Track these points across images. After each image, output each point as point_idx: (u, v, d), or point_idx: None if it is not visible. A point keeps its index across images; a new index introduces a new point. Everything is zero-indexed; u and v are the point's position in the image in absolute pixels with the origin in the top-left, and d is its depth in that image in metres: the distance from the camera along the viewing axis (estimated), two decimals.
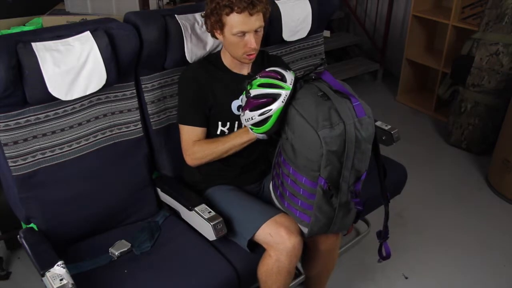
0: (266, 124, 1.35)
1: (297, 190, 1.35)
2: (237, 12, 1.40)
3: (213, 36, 1.53)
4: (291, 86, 1.33)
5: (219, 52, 1.61)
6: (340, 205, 1.33)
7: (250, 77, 1.55)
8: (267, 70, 1.41)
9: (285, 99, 1.32)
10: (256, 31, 1.45)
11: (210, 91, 1.52)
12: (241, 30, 1.42)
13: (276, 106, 1.32)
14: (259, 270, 1.45)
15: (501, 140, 2.58)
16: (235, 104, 1.55)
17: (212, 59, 1.60)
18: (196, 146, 1.53)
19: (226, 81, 1.55)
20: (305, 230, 1.40)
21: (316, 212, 1.34)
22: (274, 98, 1.32)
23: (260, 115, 1.34)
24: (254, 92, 1.36)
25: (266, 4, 1.45)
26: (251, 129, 1.41)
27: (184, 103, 1.55)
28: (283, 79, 1.36)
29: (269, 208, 1.49)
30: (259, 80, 1.37)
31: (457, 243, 2.25)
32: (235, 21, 1.42)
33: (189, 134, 1.54)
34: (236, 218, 1.48)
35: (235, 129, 1.58)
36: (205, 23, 1.52)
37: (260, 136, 1.42)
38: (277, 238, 1.38)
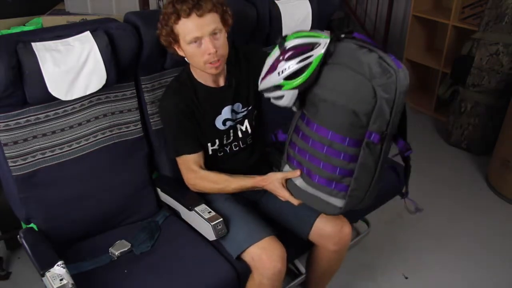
0: (304, 74, 1.23)
1: (336, 157, 1.27)
2: (184, 17, 1.32)
3: (176, 54, 1.44)
4: (329, 36, 1.24)
5: (188, 68, 1.51)
6: (382, 163, 1.30)
7: (229, 87, 1.52)
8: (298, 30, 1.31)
9: (325, 47, 1.22)
10: (214, 34, 1.35)
11: (191, 116, 1.48)
12: (194, 36, 1.33)
13: (317, 52, 1.21)
14: (246, 287, 1.46)
15: (501, 140, 2.58)
16: (219, 120, 1.52)
17: (184, 78, 1.51)
18: (203, 180, 1.50)
19: (203, 100, 1.49)
20: (340, 203, 1.33)
21: (359, 172, 1.28)
22: (312, 47, 1.23)
23: (299, 62, 1.22)
24: (290, 43, 1.23)
25: (217, 3, 1.35)
26: (282, 85, 1.26)
27: (173, 134, 1.51)
28: (318, 32, 1.27)
29: (259, 228, 1.45)
30: (295, 33, 1.27)
31: (457, 243, 2.25)
32: (185, 27, 1.33)
33: (187, 164, 1.50)
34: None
35: (224, 142, 1.54)
36: (164, 44, 1.42)
37: (290, 93, 1.27)
38: (259, 263, 1.38)
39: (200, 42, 1.35)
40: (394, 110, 1.23)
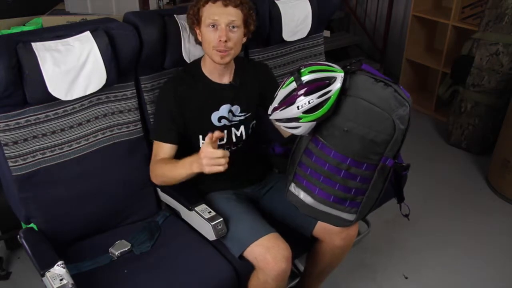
0: (323, 108, 1.29)
1: (353, 180, 1.35)
2: (212, 2, 1.42)
3: (197, 39, 1.52)
4: (343, 70, 1.31)
5: (199, 59, 1.57)
6: (389, 181, 1.40)
7: (233, 86, 1.54)
8: (312, 62, 1.36)
9: (342, 81, 1.29)
10: (231, 26, 1.42)
11: (188, 106, 1.50)
12: (213, 19, 1.41)
13: (335, 87, 1.28)
14: (248, 285, 1.45)
15: (501, 140, 2.58)
16: (215, 116, 1.53)
17: (192, 68, 1.56)
18: (157, 164, 1.49)
19: (205, 93, 1.53)
20: (352, 217, 1.41)
21: (371, 190, 1.37)
22: (329, 81, 1.29)
23: (319, 97, 1.27)
24: (307, 77, 1.29)
25: (245, 3, 1.44)
26: (300, 118, 1.31)
27: (158, 119, 1.54)
28: (331, 66, 1.33)
29: (261, 225, 1.46)
30: (310, 68, 1.32)
31: (457, 243, 2.25)
32: (208, 11, 1.42)
33: (156, 149, 1.51)
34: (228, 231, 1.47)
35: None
36: (189, 23, 1.52)
37: (308, 125, 1.32)
38: (263, 264, 1.37)
39: (216, 28, 1.42)
40: (405, 136, 1.33)
